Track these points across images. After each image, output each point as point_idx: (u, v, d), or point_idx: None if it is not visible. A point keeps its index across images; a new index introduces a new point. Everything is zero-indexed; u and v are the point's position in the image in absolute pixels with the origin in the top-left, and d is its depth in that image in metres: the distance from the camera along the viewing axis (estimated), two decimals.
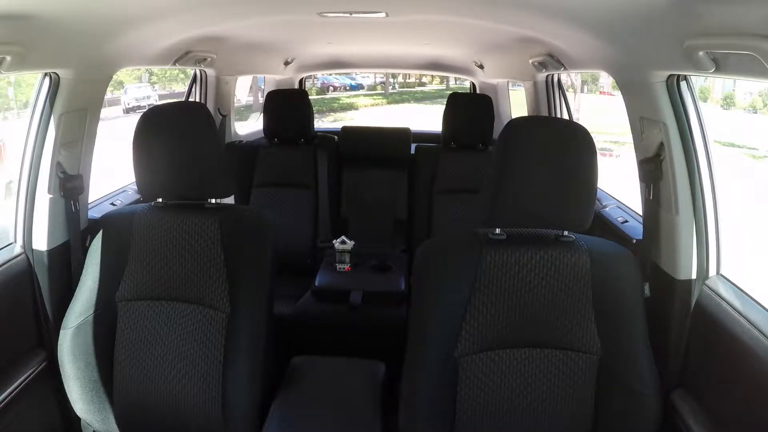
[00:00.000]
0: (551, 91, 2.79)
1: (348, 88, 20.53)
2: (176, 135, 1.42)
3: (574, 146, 1.22)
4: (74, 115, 1.57)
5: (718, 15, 1.01)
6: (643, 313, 1.29)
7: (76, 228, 1.64)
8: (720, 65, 1.10)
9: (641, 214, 1.63)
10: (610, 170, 3.50)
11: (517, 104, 3.42)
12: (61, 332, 1.44)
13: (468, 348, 1.27)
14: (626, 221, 1.92)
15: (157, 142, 1.42)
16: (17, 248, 1.60)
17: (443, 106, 2.83)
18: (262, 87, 4.04)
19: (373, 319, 2.17)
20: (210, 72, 2.73)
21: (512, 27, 1.92)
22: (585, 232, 1.30)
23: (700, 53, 1.10)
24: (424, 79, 21.75)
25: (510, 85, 3.50)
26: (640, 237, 1.65)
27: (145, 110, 1.49)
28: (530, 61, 2.30)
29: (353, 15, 1.72)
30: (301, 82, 3.89)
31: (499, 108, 3.34)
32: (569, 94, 2.94)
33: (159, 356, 1.45)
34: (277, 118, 2.81)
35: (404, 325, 1.34)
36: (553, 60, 2.13)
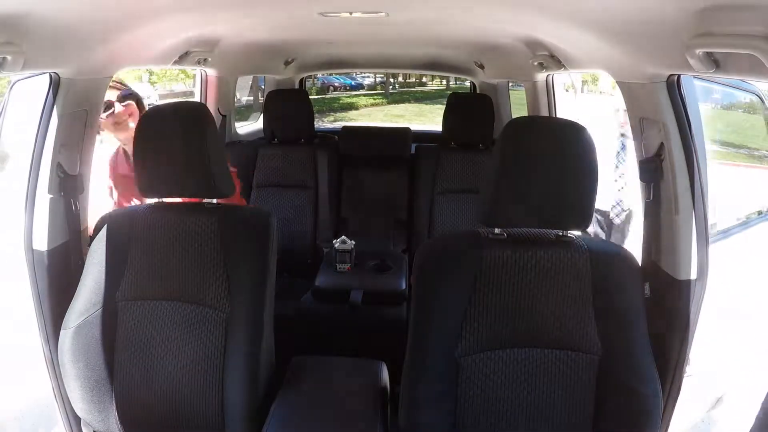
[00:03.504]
0: (551, 91, 2.79)
1: (348, 87, 20.53)
2: (177, 135, 1.42)
3: (574, 146, 1.22)
4: (74, 116, 1.57)
5: (718, 15, 1.01)
6: (643, 313, 1.29)
7: (76, 228, 1.64)
8: (720, 65, 1.10)
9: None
10: None
11: (517, 104, 3.42)
12: (62, 332, 1.44)
13: (468, 348, 1.27)
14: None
15: (158, 142, 1.42)
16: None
17: (443, 106, 2.84)
18: (262, 87, 4.04)
19: (373, 318, 2.17)
20: (210, 72, 2.73)
21: (512, 27, 1.92)
22: None
23: (700, 53, 1.10)
24: (424, 79, 21.72)
25: (510, 85, 3.50)
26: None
27: (145, 110, 1.49)
28: (530, 61, 2.29)
29: (353, 15, 1.72)
30: (301, 82, 3.89)
31: (499, 108, 3.34)
32: (569, 94, 2.95)
33: (159, 356, 1.45)
34: (277, 118, 2.81)
35: (404, 325, 1.34)
36: (553, 60, 2.12)
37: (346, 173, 3.00)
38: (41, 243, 1.58)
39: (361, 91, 20.61)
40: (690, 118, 1.41)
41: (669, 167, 1.43)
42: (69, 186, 1.59)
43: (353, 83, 20.66)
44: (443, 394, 1.27)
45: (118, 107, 1.94)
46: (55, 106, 1.52)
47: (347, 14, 1.71)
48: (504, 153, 1.24)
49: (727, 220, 2.52)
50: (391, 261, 2.47)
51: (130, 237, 1.47)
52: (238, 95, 3.43)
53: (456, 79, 8.68)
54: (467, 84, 4.17)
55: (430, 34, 2.44)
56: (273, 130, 2.83)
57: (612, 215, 3.53)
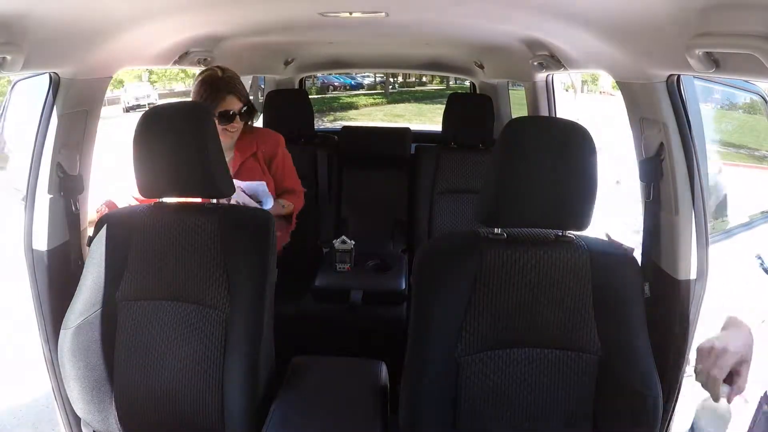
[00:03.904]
0: (551, 91, 2.79)
1: (348, 87, 20.54)
2: (177, 135, 1.42)
3: (574, 146, 1.22)
4: (74, 116, 1.57)
5: (718, 15, 1.01)
6: (643, 313, 1.29)
7: (76, 228, 1.64)
8: (720, 65, 1.10)
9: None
10: None
11: (517, 104, 3.42)
12: (61, 332, 1.44)
13: (468, 348, 1.27)
14: None
15: (158, 142, 1.42)
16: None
17: (443, 106, 2.84)
18: (262, 86, 4.04)
19: (373, 318, 2.17)
20: None
21: (512, 27, 1.92)
22: None
23: (700, 53, 1.10)
24: (424, 79, 21.75)
25: (510, 85, 3.50)
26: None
27: (145, 110, 1.49)
28: (530, 61, 2.30)
29: (353, 15, 1.72)
30: (301, 82, 3.89)
31: (499, 108, 3.34)
32: (569, 94, 2.95)
33: (159, 356, 1.45)
34: (277, 118, 2.81)
35: (404, 325, 1.35)
36: (553, 60, 2.12)
37: (346, 173, 3.01)
38: (41, 243, 1.58)
39: (361, 91, 20.64)
40: (690, 118, 1.42)
41: (669, 167, 1.43)
42: (69, 186, 1.59)
43: (353, 83, 20.67)
44: (443, 394, 1.27)
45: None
46: (55, 106, 1.52)
47: (347, 14, 1.71)
48: (503, 153, 1.24)
49: (731, 220, 2.52)
50: (391, 261, 2.47)
51: (130, 237, 1.47)
52: None
53: (456, 79, 8.69)
54: (467, 84, 4.17)
55: (430, 34, 2.45)
56: (273, 130, 2.83)
57: None
